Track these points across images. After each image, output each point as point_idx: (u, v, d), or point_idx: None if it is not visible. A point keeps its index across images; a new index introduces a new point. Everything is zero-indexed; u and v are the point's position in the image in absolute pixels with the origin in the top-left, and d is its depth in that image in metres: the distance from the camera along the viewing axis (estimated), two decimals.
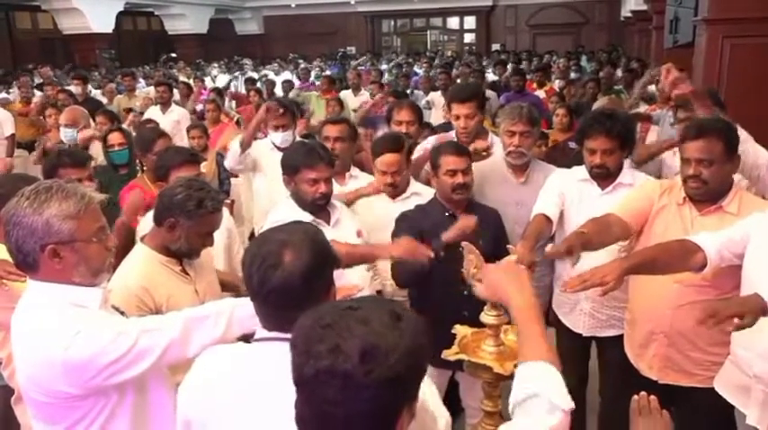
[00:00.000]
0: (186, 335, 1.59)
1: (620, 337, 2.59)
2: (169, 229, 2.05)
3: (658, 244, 2.16)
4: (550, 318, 2.93)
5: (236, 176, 4.67)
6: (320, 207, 2.60)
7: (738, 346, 2.10)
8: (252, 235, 3.91)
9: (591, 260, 2.56)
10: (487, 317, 1.67)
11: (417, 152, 3.24)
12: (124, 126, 4.98)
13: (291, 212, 2.58)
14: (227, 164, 3.88)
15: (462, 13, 20.86)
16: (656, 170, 3.36)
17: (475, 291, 1.46)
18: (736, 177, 2.30)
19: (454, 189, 2.60)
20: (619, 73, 8.91)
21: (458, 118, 3.21)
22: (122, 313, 1.75)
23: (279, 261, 1.31)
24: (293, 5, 20.28)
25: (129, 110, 6.86)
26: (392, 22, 22.22)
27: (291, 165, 2.61)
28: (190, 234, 2.05)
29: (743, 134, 2.28)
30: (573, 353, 2.76)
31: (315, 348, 0.98)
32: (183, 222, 2.03)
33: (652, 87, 7.24)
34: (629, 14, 13.42)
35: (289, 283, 1.31)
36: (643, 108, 6.37)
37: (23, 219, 1.48)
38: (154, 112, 6.30)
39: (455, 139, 3.23)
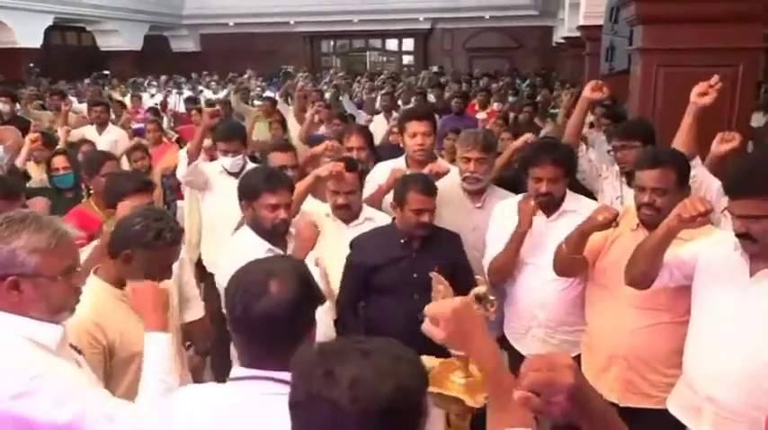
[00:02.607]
0: None
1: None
2: (125, 262, 1.96)
3: None
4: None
5: (182, 199, 4.53)
6: (279, 235, 2.53)
7: (690, 368, 2.17)
8: (199, 261, 3.77)
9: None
10: None
11: (368, 187, 3.15)
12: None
13: (248, 240, 2.52)
14: (178, 175, 3.77)
15: (401, 35, 21.16)
16: (594, 179, 3.39)
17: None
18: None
19: (417, 226, 2.60)
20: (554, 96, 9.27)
21: (414, 135, 3.16)
22: (80, 352, 1.66)
23: (264, 290, 1.30)
24: (231, 24, 20.08)
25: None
26: (331, 43, 22.31)
27: (251, 190, 2.52)
28: (147, 267, 1.96)
29: (696, 161, 2.40)
30: None
31: (310, 372, 0.99)
32: (139, 254, 1.95)
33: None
34: (562, 40, 13.95)
35: (274, 313, 1.29)
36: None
37: None
38: (89, 132, 6.05)
39: (405, 167, 3.23)
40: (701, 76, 3.94)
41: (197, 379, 2.65)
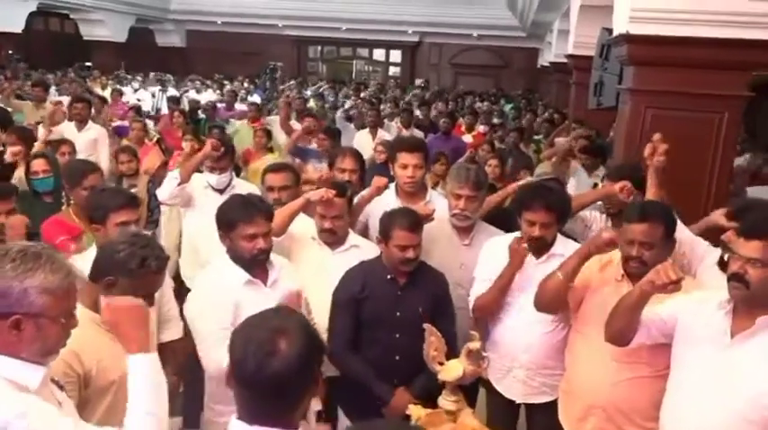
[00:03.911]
0: None
1: (550, 403, 2.66)
2: (106, 288, 1.90)
3: None
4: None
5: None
6: (259, 264, 2.48)
7: (667, 424, 2.16)
8: (177, 276, 3.68)
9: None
10: (446, 402, 1.65)
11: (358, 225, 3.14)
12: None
13: (224, 272, 2.48)
14: (161, 196, 3.66)
15: (389, 46, 21.23)
16: (581, 231, 3.44)
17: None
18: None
19: (402, 262, 2.59)
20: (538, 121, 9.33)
21: (405, 167, 3.16)
22: (61, 387, 1.61)
23: (275, 348, 1.29)
24: (219, 22, 19.93)
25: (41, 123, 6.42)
26: (319, 49, 22.29)
27: (227, 221, 2.47)
28: (129, 294, 1.89)
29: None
30: (503, 417, 2.80)
31: None
32: (123, 281, 1.89)
33: (559, 139, 7.69)
34: (547, 64, 14.10)
35: (286, 371, 1.28)
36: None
37: (0, 280, 1.36)
38: (68, 129, 5.88)
39: (395, 196, 3.22)
40: (687, 120, 4.03)
41: (170, 397, 2.60)
